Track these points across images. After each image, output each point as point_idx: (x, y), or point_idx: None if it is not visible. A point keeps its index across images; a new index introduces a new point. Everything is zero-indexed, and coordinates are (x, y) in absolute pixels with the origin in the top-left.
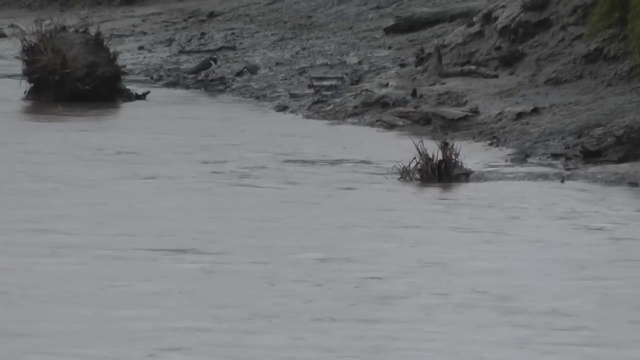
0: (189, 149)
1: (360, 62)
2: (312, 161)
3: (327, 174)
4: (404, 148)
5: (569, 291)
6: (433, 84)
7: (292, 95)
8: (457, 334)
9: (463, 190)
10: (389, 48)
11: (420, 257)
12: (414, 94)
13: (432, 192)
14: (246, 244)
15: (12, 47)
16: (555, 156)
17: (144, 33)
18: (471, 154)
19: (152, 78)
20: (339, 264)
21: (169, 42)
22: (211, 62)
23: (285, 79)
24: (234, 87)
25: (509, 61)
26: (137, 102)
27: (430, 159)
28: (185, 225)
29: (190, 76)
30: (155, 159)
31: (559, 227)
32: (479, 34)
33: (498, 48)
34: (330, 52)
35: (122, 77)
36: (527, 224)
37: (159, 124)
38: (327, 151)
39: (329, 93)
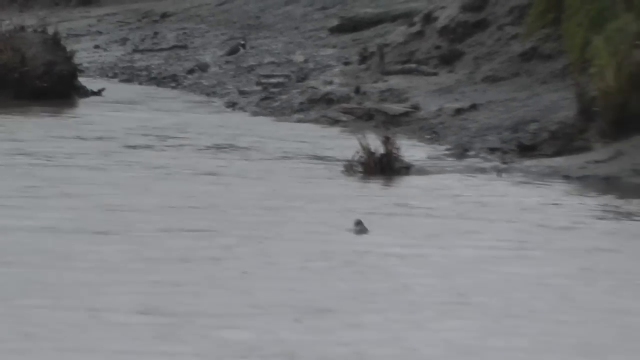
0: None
1: (306, 61)
2: (256, 151)
3: (271, 165)
4: (347, 143)
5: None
6: (376, 82)
7: (241, 92)
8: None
9: (404, 183)
10: (334, 47)
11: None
12: (357, 91)
13: (374, 184)
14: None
15: None
16: (492, 150)
17: (100, 33)
18: (412, 148)
19: (107, 75)
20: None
21: (124, 41)
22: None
23: (235, 77)
24: (185, 84)
25: (448, 60)
26: (93, 97)
27: (372, 153)
28: None
29: (144, 74)
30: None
31: (493, 218)
32: (420, 34)
33: (438, 47)
34: (277, 51)
35: (78, 74)
36: (465, 215)
37: (100, 114)
38: (275, 144)
39: (276, 90)
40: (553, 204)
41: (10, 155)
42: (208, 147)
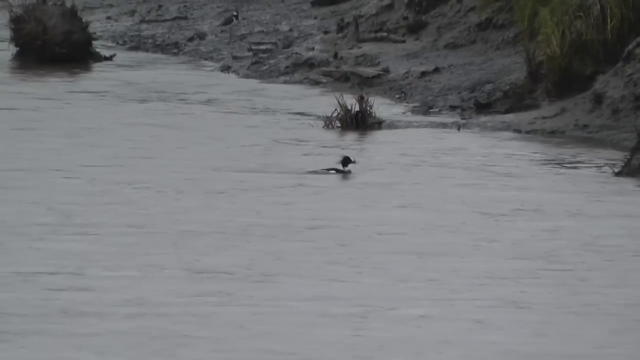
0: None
1: (291, 30)
2: (243, 107)
3: (256, 117)
4: (327, 101)
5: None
6: (351, 48)
7: (234, 57)
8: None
9: (376, 136)
10: (315, 18)
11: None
12: (335, 56)
13: (350, 136)
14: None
15: (1, 18)
16: (453, 108)
17: (111, 5)
18: (383, 106)
19: (117, 43)
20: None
21: (132, 13)
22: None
23: (229, 44)
24: (186, 50)
25: (415, 29)
26: (105, 62)
27: (349, 110)
28: None
29: (150, 41)
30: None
31: (452, 162)
32: (390, 6)
33: (405, 18)
34: (266, 22)
35: (93, 42)
36: (427, 161)
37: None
38: (262, 101)
39: (264, 55)
40: (500, 153)
41: (41, 100)
42: (200, 102)
